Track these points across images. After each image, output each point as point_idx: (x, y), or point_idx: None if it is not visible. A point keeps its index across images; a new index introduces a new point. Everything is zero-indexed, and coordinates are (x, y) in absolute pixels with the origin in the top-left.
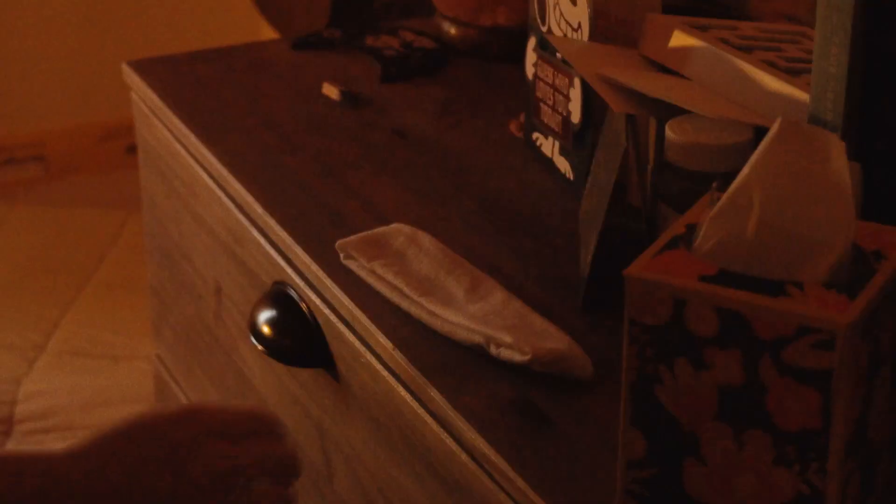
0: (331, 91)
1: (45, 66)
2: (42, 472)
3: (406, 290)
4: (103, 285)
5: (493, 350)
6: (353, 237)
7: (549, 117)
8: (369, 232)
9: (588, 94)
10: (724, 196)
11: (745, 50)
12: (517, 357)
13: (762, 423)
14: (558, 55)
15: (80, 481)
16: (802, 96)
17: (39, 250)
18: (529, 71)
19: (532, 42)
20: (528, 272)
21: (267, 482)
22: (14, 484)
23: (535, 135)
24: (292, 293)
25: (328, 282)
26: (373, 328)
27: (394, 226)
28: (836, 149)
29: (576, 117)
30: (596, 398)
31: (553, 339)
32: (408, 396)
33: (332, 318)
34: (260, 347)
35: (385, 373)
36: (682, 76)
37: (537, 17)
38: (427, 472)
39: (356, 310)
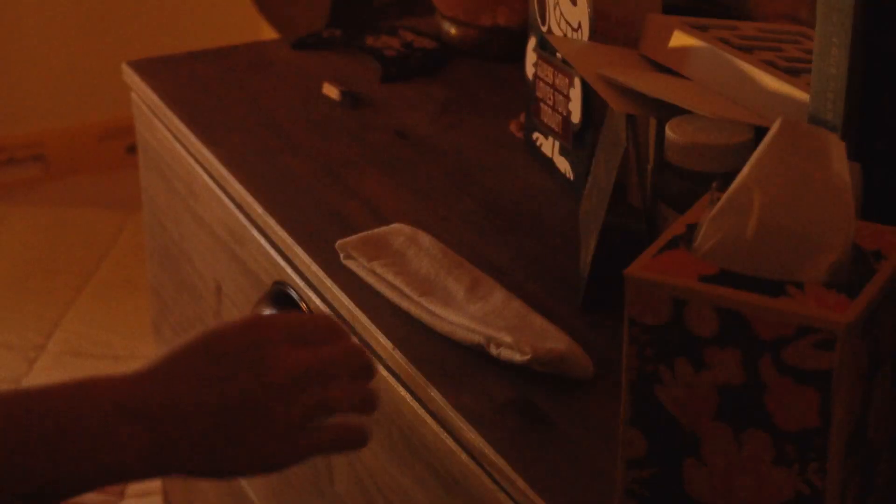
0: (331, 91)
1: (45, 66)
2: (114, 394)
3: (406, 290)
4: (103, 285)
5: (493, 350)
6: (353, 237)
7: (549, 117)
8: (369, 232)
9: (588, 94)
10: (724, 196)
11: (745, 50)
12: (517, 357)
13: (762, 423)
14: (558, 55)
15: (152, 400)
16: (802, 96)
17: (39, 250)
18: (529, 71)
19: (532, 42)
20: (528, 272)
21: (345, 380)
22: (88, 407)
23: (535, 135)
24: (292, 293)
25: (328, 282)
26: (373, 328)
27: (394, 226)
28: (836, 149)
29: (576, 117)
30: (596, 398)
31: (553, 339)
32: (408, 396)
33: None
34: None
35: (385, 373)
36: (682, 76)
37: (537, 17)
38: (427, 472)
39: (356, 310)
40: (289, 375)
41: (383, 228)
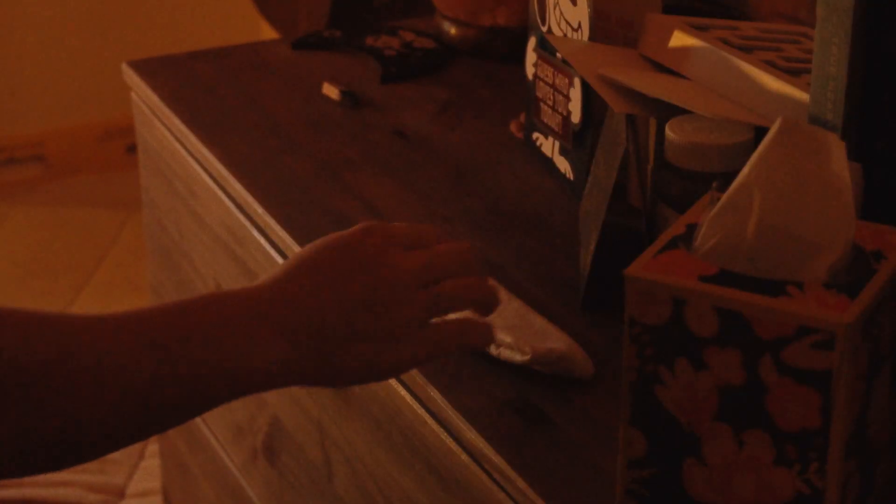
0: (331, 91)
1: (45, 66)
2: (255, 305)
3: None
4: (103, 285)
5: (493, 350)
6: None
7: (549, 117)
8: None
9: (588, 94)
10: (724, 196)
11: (746, 50)
12: (517, 357)
13: (762, 423)
14: (558, 55)
15: (288, 310)
16: (802, 96)
17: (39, 250)
18: (529, 71)
19: (532, 42)
20: (528, 272)
21: (461, 277)
22: (236, 317)
23: (535, 135)
24: None
25: None
26: None
27: None
28: (836, 149)
29: (576, 117)
30: (596, 398)
31: (553, 339)
32: (408, 396)
33: None
34: None
35: None
36: (682, 76)
37: (537, 17)
38: (427, 472)
39: None
40: (407, 273)
41: None
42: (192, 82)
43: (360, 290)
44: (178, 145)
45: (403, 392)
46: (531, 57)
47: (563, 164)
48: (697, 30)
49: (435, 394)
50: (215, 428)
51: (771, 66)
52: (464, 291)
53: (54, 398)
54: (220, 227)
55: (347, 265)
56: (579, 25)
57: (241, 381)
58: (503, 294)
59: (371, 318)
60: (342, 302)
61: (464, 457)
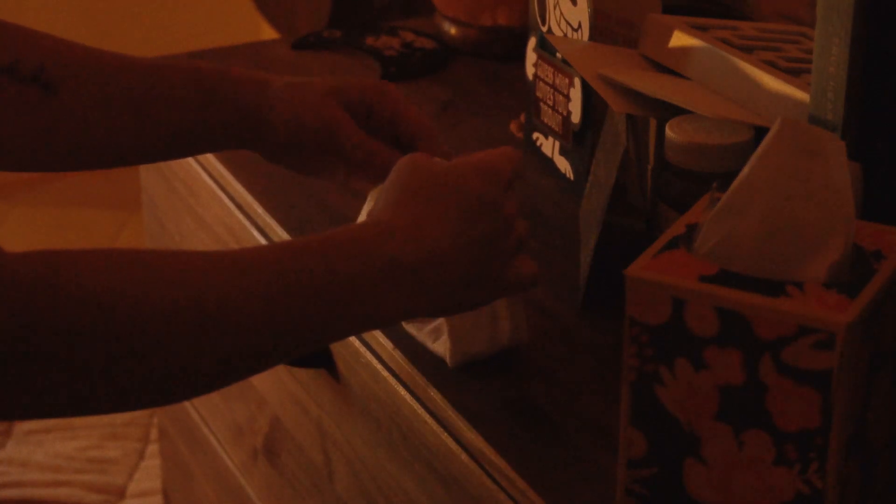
0: None
1: None
2: (388, 248)
3: None
4: None
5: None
6: None
7: (549, 117)
8: None
9: (588, 94)
10: (724, 196)
11: (746, 50)
12: (448, 360)
13: (762, 423)
14: (558, 55)
15: (420, 250)
16: (802, 96)
17: None
18: (529, 71)
19: (532, 42)
20: None
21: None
22: (371, 259)
23: (535, 135)
24: None
25: None
26: None
27: None
28: (836, 149)
29: (576, 117)
30: (596, 398)
31: (478, 341)
32: (408, 396)
33: None
34: None
35: (385, 373)
36: (682, 76)
37: (537, 17)
38: (427, 472)
39: None
40: (509, 218)
41: None
42: None
43: (482, 236)
44: None
45: (403, 392)
46: (531, 57)
47: (563, 164)
48: (697, 30)
49: (435, 394)
50: (215, 428)
51: (771, 66)
52: (526, 235)
53: (175, 342)
54: (220, 227)
55: (475, 209)
56: (579, 25)
57: (367, 326)
58: None
59: (486, 260)
60: (468, 249)
61: (464, 457)
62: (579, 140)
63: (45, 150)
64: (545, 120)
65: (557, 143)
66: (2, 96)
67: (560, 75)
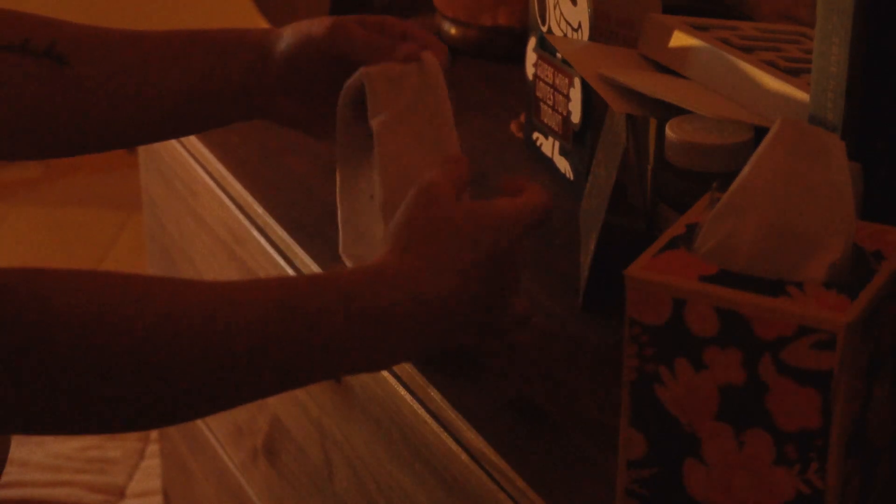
0: None
1: None
2: (404, 290)
3: None
4: None
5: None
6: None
7: (549, 117)
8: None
9: (588, 94)
10: (724, 196)
11: (746, 50)
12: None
13: (762, 423)
14: (558, 55)
15: (428, 293)
16: (802, 96)
17: (39, 250)
18: (529, 71)
19: (532, 42)
20: (529, 272)
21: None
22: (346, 304)
23: (535, 135)
24: None
25: None
26: None
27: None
28: (836, 149)
29: (576, 117)
30: (596, 398)
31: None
32: (408, 396)
33: None
34: None
35: (385, 373)
36: (682, 76)
37: (537, 17)
38: (427, 472)
39: None
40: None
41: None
42: None
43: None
44: (178, 145)
45: (403, 392)
46: (531, 57)
47: (563, 164)
48: (697, 30)
49: (435, 394)
50: (215, 428)
51: (771, 66)
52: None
53: (161, 361)
54: (220, 227)
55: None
56: (579, 25)
57: (357, 370)
58: None
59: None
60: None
61: (464, 457)
62: (579, 140)
63: (62, 125)
64: (545, 120)
65: (557, 143)
66: (18, 71)
67: (560, 75)
